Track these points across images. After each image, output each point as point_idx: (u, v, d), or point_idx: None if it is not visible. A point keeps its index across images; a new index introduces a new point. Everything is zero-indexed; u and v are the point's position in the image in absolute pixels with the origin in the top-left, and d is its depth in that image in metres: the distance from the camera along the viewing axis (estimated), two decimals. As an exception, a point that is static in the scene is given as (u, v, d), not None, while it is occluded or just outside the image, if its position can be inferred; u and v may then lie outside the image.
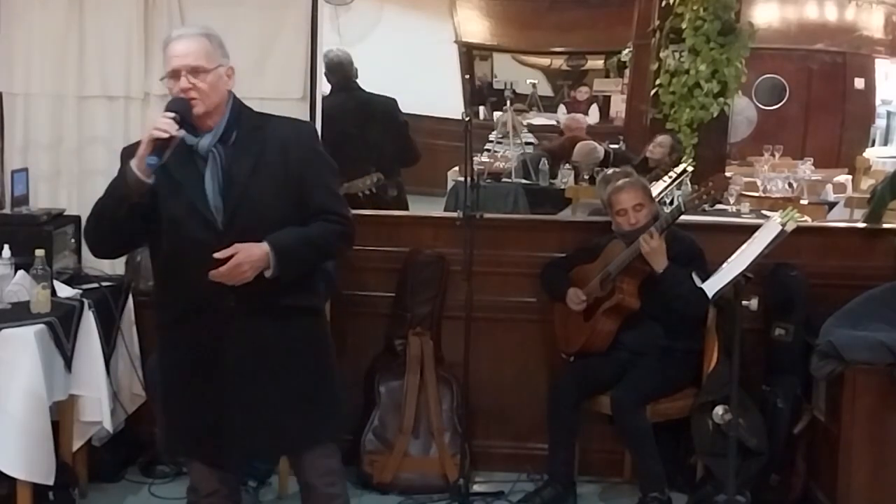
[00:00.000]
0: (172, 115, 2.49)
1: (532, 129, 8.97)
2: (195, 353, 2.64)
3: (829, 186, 6.97)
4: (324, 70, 5.19)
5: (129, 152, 2.60)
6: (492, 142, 8.09)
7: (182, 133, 2.50)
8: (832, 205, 6.41)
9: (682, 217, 3.80)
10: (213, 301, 2.58)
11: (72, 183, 4.24)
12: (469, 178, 3.86)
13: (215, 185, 2.58)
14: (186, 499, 2.89)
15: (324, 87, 5.02)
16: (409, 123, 5.30)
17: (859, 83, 9.53)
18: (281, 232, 2.58)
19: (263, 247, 2.54)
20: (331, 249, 2.79)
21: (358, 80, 5.26)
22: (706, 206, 4.10)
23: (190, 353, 2.65)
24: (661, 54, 5.86)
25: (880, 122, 9.78)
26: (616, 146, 7.45)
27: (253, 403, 2.64)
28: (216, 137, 2.59)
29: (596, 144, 7.06)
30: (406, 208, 5.16)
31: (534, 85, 10.71)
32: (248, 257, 2.51)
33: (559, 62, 11.52)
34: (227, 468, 2.79)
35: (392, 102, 5.26)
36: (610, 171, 5.21)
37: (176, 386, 2.72)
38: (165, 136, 2.45)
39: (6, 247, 3.54)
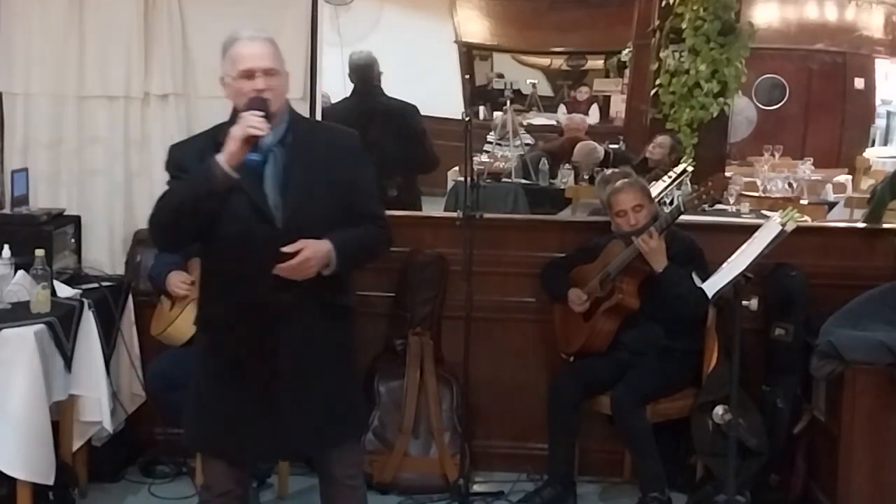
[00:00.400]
0: (261, 113, 2.53)
1: (532, 129, 8.97)
2: (247, 349, 2.67)
3: (829, 186, 6.97)
4: (347, 71, 5.21)
5: (180, 150, 2.70)
6: (490, 143, 8.10)
7: (270, 131, 2.56)
8: (832, 205, 6.41)
9: (682, 217, 3.81)
10: (269, 297, 2.62)
11: (72, 183, 4.24)
12: (469, 178, 3.86)
13: (276, 183, 2.64)
14: (198, 497, 2.89)
15: (330, 87, 5.03)
16: (427, 131, 5.24)
17: (859, 83, 9.53)
18: (340, 232, 2.66)
19: (327, 244, 2.61)
20: (377, 252, 2.91)
21: (381, 85, 5.20)
22: (706, 206, 4.10)
23: (240, 348, 2.68)
24: (661, 54, 5.86)
25: (880, 122, 9.78)
26: (616, 146, 7.45)
27: (301, 399, 2.70)
28: (277, 138, 2.65)
29: (596, 145, 7.06)
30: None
31: (534, 85, 10.72)
32: (314, 253, 2.58)
33: (559, 62, 11.53)
34: (257, 463, 2.89)
35: (411, 109, 5.21)
36: (609, 171, 5.21)
37: (222, 380, 2.72)
38: (262, 133, 2.50)
39: (6, 247, 3.54)
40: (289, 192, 2.63)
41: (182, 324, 3.87)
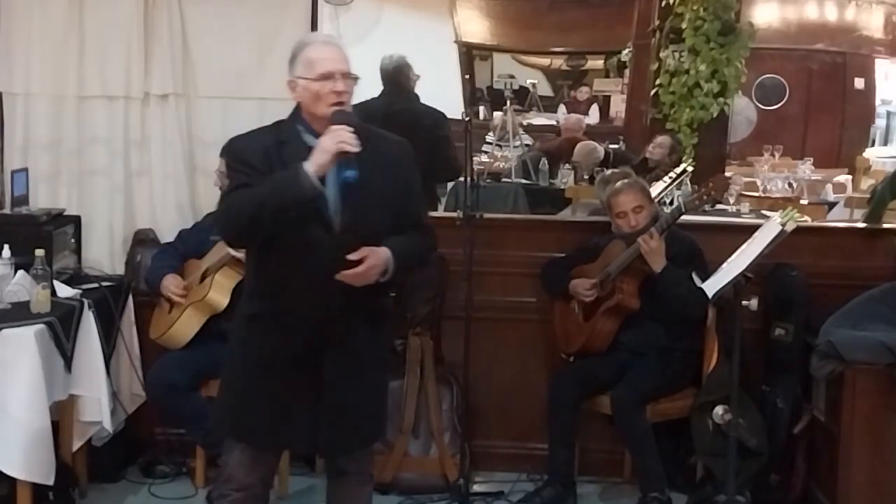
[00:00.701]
0: (351, 129, 2.58)
1: (532, 129, 8.98)
2: (298, 345, 2.71)
3: (829, 186, 6.98)
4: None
5: (245, 144, 2.71)
6: (489, 143, 8.10)
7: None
8: (832, 205, 6.41)
9: (683, 217, 3.80)
10: (323, 299, 2.67)
11: (72, 183, 4.24)
12: (469, 178, 3.86)
13: (336, 188, 2.67)
14: (217, 489, 2.89)
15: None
16: (450, 139, 5.15)
17: (859, 83, 9.54)
18: (395, 239, 2.72)
19: (387, 252, 2.67)
20: (426, 260, 3.02)
21: (413, 89, 5.13)
22: (706, 207, 4.10)
23: (291, 344, 2.71)
24: (661, 54, 5.87)
25: (880, 122, 9.79)
26: (616, 146, 7.46)
27: (345, 398, 2.75)
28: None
29: (596, 144, 7.06)
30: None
31: (533, 85, 10.72)
32: (377, 261, 2.64)
33: (559, 62, 11.53)
34: (288, 454, 2.97)
35: (437, 116, 5.11)
36: (609, 172, 5.21)
37: (268, 372, 2.74)
38: (355, 150, 2.56)
39: (6, 247, 3.54)
40: (349, 198, 2.66)
41: (181, 327, 3.87)
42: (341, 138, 2.56)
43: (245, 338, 2.80)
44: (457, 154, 4.97)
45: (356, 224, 2.68)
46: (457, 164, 5.00)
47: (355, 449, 2.89)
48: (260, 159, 2.66)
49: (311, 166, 2.56)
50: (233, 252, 3.71)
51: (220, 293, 3.81)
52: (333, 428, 2.75)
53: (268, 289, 2.75)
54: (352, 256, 2.61)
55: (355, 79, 2.71)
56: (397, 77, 5.02)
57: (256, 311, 2.76)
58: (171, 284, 3.92)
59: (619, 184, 3.99)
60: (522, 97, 10.55)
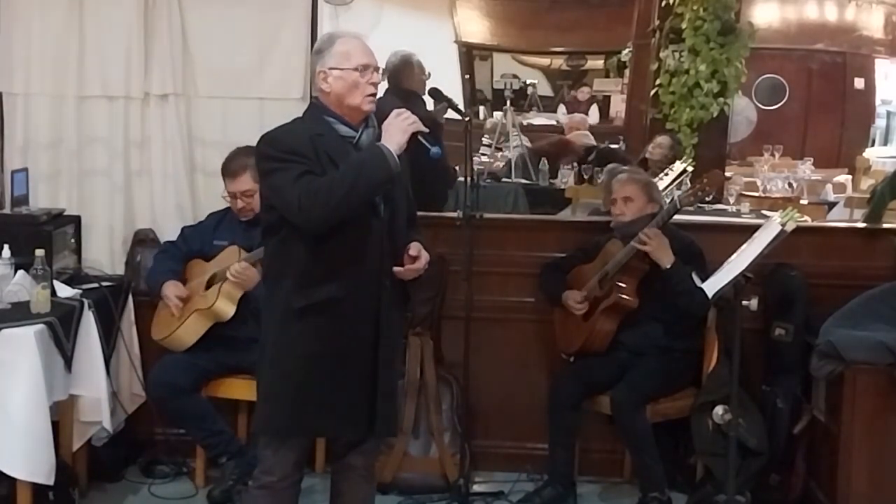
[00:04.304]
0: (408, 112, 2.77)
1: (532, 129, 8.96)
2: (355, 332, 2.78)
3: (829, 186, 6.97)
4: None
5: (290, 137, 2.75)
6: (487, 146, 8.09)
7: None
8: (832, 205, 6.40)
9: (683, 217, 3.81)
10: (376, 284, 2.80)
11: (72, 183, 4.24)
12: (469, 178, 3.86)
13: None
14: (256, 482, 2.90)
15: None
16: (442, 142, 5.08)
17: (859, 83, 9.53)
18: (418, 236, 2.93)
19: (426, 253, 2.86)
20: None
21: (417, 89, 4.96)
22: (705, 203, 4.10)
23: (348, 332, 2.78)
24: (661, 54, 5.86)
25: (880, 122, 9.78)
26: (616, 146, 7.46)
27: (390, 383, 2.90)
28: (375, 133, 2.80)
29: (589, 134, 7.12)
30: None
31: (534, 85, 10.71)
32: (427, 257, 2.85)
33: (559, 62, 11.52)
34: (341, 442, 3.00)
35: (429, 119, 5.01)
36: (619, 167, 5.21)
37: (325, 363, 2.77)
38: (426, 129, 2.76)
39: (6, 247, 3.54)
40: (392, 186, 2.79)
41: (185, 332, 3.86)
42: (412, 119, 2.72)
43: (298, 331, 2.77)
44: (446, 162, 4.90)
45: (394, 210, 2.83)
46: (449, 171, 4.91)
47: (396, 432, 3.08)
48: (309, 149, 2.71)
49: (392, 146, 2.69)
50: (231, 273, 3.73)
51: (227, 303, 3.80)
52: (386, 411, 2.87)
53: (325, 277, 2.75)
54: (412, 253, 2.80)
55: (383, 72, 2.82)
56: (399, 77, 4.99)
57: (311, 301, 2.74)
58: (172, 293, 3.90)
59: (623, 173, 4.09)
60: (522, 97, 10.54)
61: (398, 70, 4.93)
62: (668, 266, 3.74)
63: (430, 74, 5.03)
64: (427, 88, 4.84)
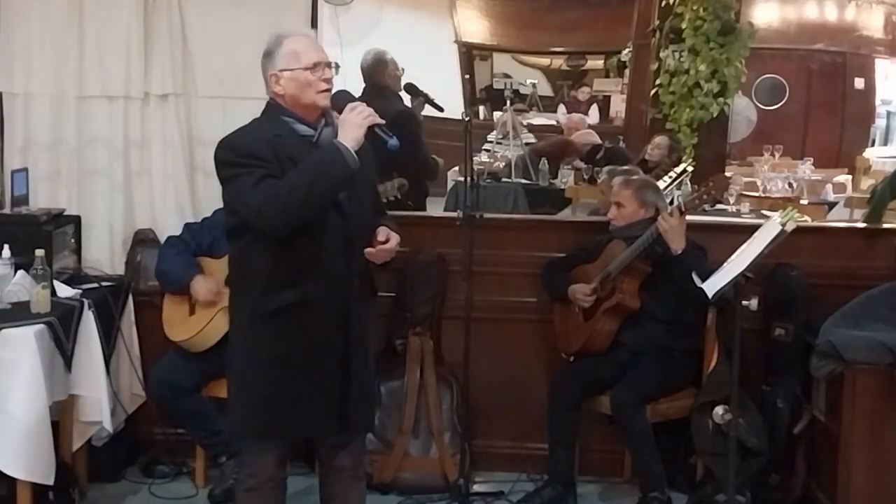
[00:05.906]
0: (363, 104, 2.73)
1: (532, 129, 8.98)
2: (326, 332, 2.77)
3: (829, 186, 6.97)
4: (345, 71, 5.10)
5: (247, 140, 2.71)
6: (491, 142, 8.10)
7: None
8: (832, 205, 6.41)
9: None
10: (343, 282, 2.78)
11: (72, 183, 4.23)
12: (469, 178, 3.86)
13: None
14: (242, 485, 2.90)
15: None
16: (420, 138, 5.07)
17: (859, 83, 9.53)
18: (386, 223, 2.87)
19: (396, 236, 2.82)
20: None
21: (392, 86, 4.91)
22: (706, 206, 4.09)
23: (319, 332, 2.76)
24: (661, 54, 5.88)
25: (880, 122, 9.78)
26: (624, 146, 7.46)
27: (363, 379, 2.88)
28: (335, 130, 2.76)
29: (593, 132, 7.12)
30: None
31: (534, 85, 10.72)
32: (397, 240, 2.81)
33: (559, 62, 11.54)
34: (321, 442, 3.00)
35: (404, 115, 4.68)
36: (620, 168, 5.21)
37: (294, 365, 2.76)
38: (382, 121, 2.73)
39: (6, 247, 3.54)
40: (353, 183, 2.74)
41: (211, 331, 3.80)
42: (367, 112, 2.69)
43: (267, 334, 2.76)
44: (426, 153, 4.90)
45: (358, 208, 2.79)
46: (430, 164, 4.93)
47: (372, 427, 3.03)
48: (268, 152, 2.67)
49: (349, 142, 2.65)
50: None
51: None
52: (361, 408, 2.86)
53: (290, 280, 2.74)
54: (380, 238, 2.76)
55: (336, 67, 2.80)
56: (373, 75, 4.97)
57: (280, 303, 2.73)
58: (203, 288, 3.84)
59: (621, 176, 4.09)
60: (522, 97, 10.55)
61: (372, 68, 4.92)
62: (679, 251, 3.73)
63: (404, 70, 5.02)
64: (403, 84, 4.85)
